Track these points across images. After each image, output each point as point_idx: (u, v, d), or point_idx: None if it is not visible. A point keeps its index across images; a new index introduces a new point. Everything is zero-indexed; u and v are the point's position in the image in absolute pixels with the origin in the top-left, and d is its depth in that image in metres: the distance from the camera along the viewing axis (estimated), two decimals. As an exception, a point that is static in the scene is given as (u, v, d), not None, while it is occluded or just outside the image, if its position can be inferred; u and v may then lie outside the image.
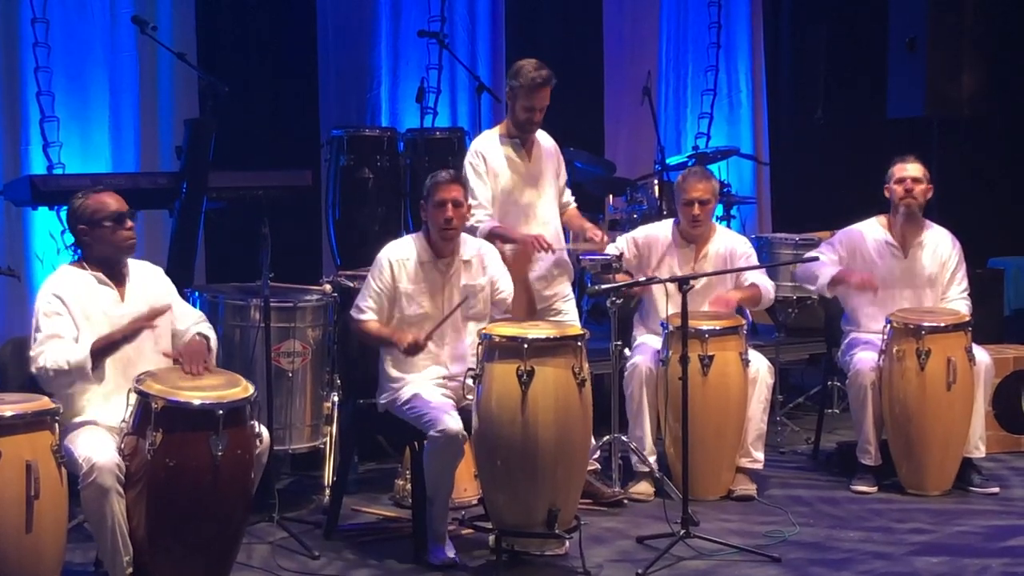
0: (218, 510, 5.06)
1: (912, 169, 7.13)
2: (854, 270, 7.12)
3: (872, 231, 7.23)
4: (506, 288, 6.15)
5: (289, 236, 7.17)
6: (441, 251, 6.02)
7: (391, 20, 9.35)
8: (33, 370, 5.13)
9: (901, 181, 7.12)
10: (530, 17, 10.06)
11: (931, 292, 7.18)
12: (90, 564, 5.46)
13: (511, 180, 6.66)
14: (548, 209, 6.77)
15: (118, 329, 5.22)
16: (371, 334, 5.97)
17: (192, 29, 8.50)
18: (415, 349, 5.79)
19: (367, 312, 5.97)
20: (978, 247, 8.69)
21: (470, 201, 6.38)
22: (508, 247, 6.45)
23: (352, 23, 9.23)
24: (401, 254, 6.02)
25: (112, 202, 5.39)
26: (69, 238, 5.54)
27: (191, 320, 5.57)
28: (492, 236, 6.44)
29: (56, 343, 5.14)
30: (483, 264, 6.13)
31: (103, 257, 5.39)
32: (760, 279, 7.04)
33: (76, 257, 5.50)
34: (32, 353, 5.16)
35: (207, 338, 5.48)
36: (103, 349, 5.15)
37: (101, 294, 5.34)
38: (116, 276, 5.41)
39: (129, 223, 5.41)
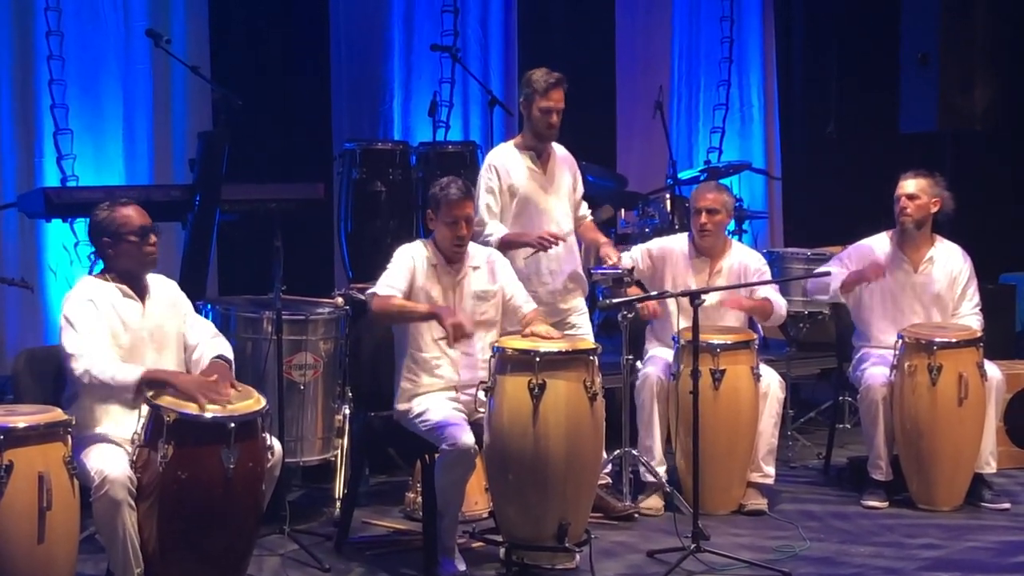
0: (229, 522, 5.07)
1: (907, 186, 7.13)
2: (862, 268, 7.12)
3: (882, 246, 7.23)
4: (520, 300, 6.14)
5: (301, 249, 7.18)
6: (451, 259, 6.05)
7: (404, 34, 9.37)
8: (76, 369, 5.09)
9: (897, 199, 7.13)
10: (543, 31, 10.08)
11: (941, 307, 7.18)
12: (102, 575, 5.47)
13: (528, 190, 6.68)
14: (563, 219, 6.78)
15: (180, 377, 5.22)
16: (400, 308, 5.89)
17: (206, 42, 8.54)
18: (461, 332, 5.76)
19: (394, 289, 5.92)
20: (990, 262, 8.68)
21: (481, 215, 6.41)
22: (519, 257, 6.49)
23: (365, 37, 9.25)
24: (417, 252, 6.04)
25: (137, 216, 5.39)
26: (86, 249, 5.56)
27: (204, 334, 5.57)
28: (504, 246, 6.47)
29: (106, 353, 5.15)
30: (493, 271, 6.14)
31: (125, 271, 5.40)
32: (773, 296, 7.03)
33: (97, 269, 5.50)
34: (73, 351, 5.12)
35: (227, 360, 5.46)
36: (152, 382, 5.13)
37: (125, 306, 5.36)
38: (137, 289, 5.43)
39: (152, 238, 5.41)
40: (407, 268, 5.98)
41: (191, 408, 5.03)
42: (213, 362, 5.38)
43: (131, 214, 5.39)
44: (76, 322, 5.19)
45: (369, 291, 6.06)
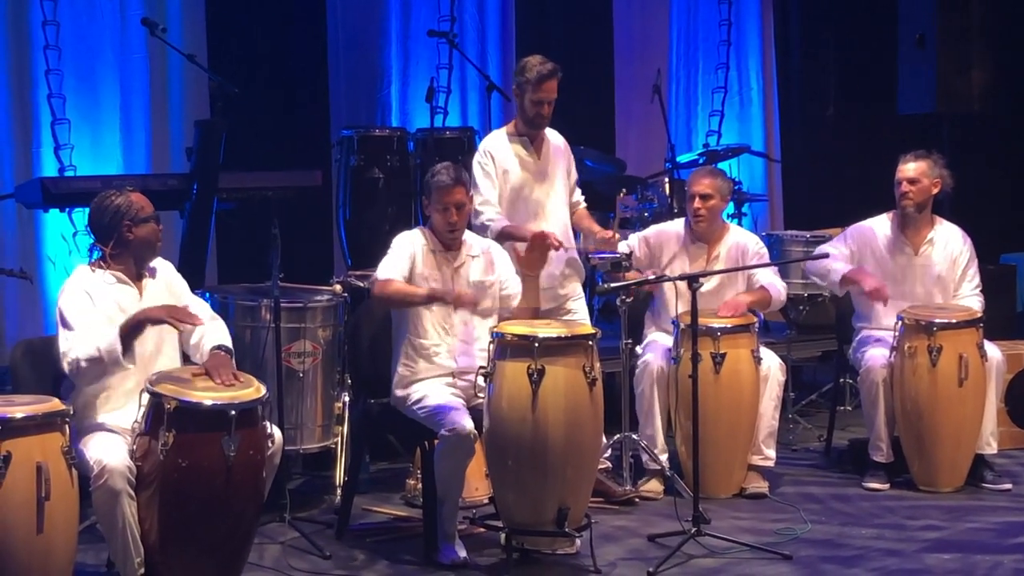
0: (230, 510, 5.06)
1: (908, 170, 7.11)
2: (868, 273, 7.09)
3: (882, 227, 7.22)
4: (513, 288, 6.16)
5: (299, 236, 7.17)
6: (448, 245, 6.05)
7: (401, 20, 9.35)
8: (65, 365, 5.12)
9: (898, 183, 7.12)
10: (540, 16, 10.06)
11: (942, 289, 7.17)
12: (102, 565, 5.47)
13: (521, 177, 6.66)
14: (558, 206, 6.76)
15: (144, 311, 5.23)
16: (401, 293, 5.89)
17: (202, 30, 8.52)
18: (465, 299, 5.83)
19: (394, 274, 5.92)
20: (990, 243, 8.68)
21: (477, 200, 6.39)
22: (520, 246, 6.46)
23: (362, 23, 9.24)
24: (416, 239, 6.05)
25: (149, 202, 5.45)
26: (85, 239, 5.55)
27: (202, 316, 5.57)
28: (503, 236, 6.45)
29: (85, 335, 5.15)
30: (491, 262, 6.14)
31: (138, 254, 5.41)
32: (771, 281, 7.01)
33: (93, 257, 5.49)
34: (63, 348, 5.14)
35: (228, 350, 5.46)
36: (131, 329, 5.14)
37: (122, 293, 5.36)
38: (136, 274, 5.44)
39: (160, 224, 5.50)
40: (407, 254, 5.99)
41: (191, 396, 5.02)
42: (213, 352, 5.37)
43: (145, 199, 5.44)
44: (71, 319, 5.19)
45: (372, 277, 6.07)
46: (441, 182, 5.96)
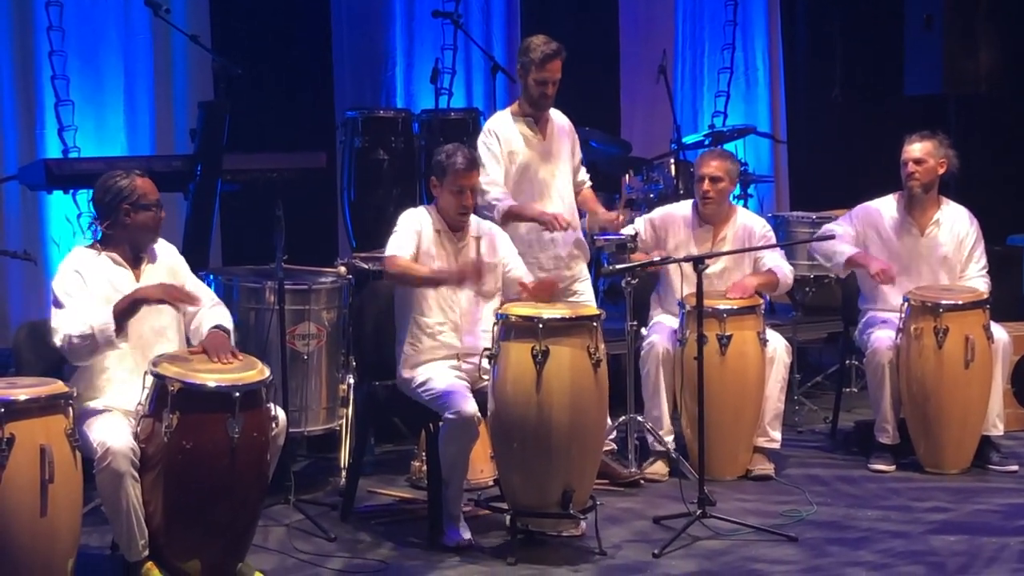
0: (234, 492, 5.06)
1: (914, 150, 7.09)
2: (872, 256, 7.08)
3: (889, 208, 7.20)
4: (518, 271, 6.13)
5: (304, 218, 7.15)
6: (454, 227, 6.03)
7: (405, 1, 9.33)
8: (57, 341, 5.11)
9: (904, 164, 7.09)
10: (544, -5, 10.05)
11: (948, 270, 7.15)
12: (107, 547, 5.46)
13: (526, 157, 6.63)
14: (563, 186, 6.75)
15: (139, 290, 5.22)
16: (413, 272, 5.87)
17: (206, 11, 8.51)
18: (469, 274, 5.82)
19: (406, 249, 5.90)
20: (997, 224, 8.63)
21: (483, 179, 6.34)
22: (525, 226, 6.45)
23: (367, 4, 9.24)
24: (422, 217, 6.03)
25: (153, 188, 5.41)
26: (87, 219, 5.53)
27: (204, 302, 5.56)
28: (509, 216, 6.43)
29: (77, 312, 5.13)
30: (493, 245, 6.12)
31: (134, 239, 5.39)
32: (778, 264, 7.00)
33: (93, 238, 5.47)
34: (54, 324, 5.14)
35: (226, 330, 5.45)
36: (125, 310, 5.13)
37: (117, 275, 5.34)
38: (134, 258, 5.42)
39: (162, 212, 5.46)
40: (415, 231, 5.96)
41: (196, 377, 5.02)
42: (211, 332, 5.37)
43: (150, 185, 5.41)
44: (62, 298, 5.19)
45: (387, 254, 6.01)
46: (458, 164, 5.92)
